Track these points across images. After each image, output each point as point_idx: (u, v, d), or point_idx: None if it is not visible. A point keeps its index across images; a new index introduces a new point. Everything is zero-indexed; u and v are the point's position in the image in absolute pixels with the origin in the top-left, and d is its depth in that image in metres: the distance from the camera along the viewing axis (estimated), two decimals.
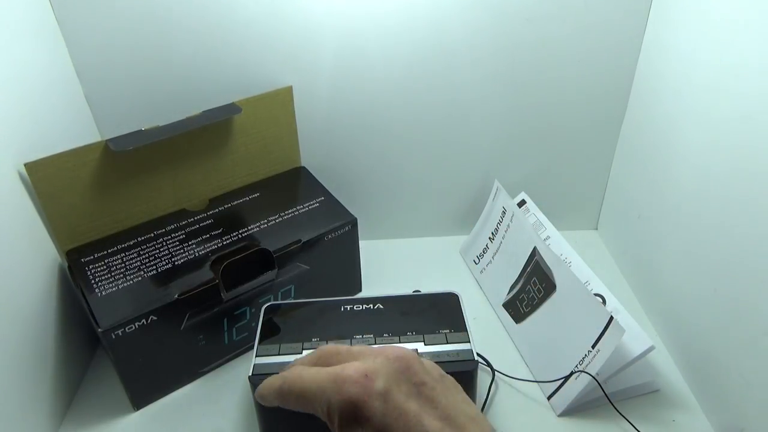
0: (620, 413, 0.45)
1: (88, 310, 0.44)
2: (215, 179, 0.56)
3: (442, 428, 0.26)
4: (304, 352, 0.42)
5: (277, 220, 0.53)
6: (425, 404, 0.27)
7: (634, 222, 0.58)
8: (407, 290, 0.49)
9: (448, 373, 0.40)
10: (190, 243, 0.50)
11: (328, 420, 0.28)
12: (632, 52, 0.55)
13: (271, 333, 0.44)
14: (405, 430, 0.25)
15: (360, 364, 0.28)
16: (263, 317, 0.45)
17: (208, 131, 0.53)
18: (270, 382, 0.34)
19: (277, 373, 0.40)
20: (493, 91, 0.57)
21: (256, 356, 0.42)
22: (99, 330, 0.42)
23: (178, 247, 0.50)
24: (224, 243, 0.50)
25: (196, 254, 0.49)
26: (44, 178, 0.46)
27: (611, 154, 0.62)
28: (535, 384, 0.49)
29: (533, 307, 0.52)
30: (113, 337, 0.43)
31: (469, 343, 0.42)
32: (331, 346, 0.33)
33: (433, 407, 0.27)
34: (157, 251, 0.49)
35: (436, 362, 0.40)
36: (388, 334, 0.43)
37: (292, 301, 0.49)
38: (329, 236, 0.52)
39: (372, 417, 0.26)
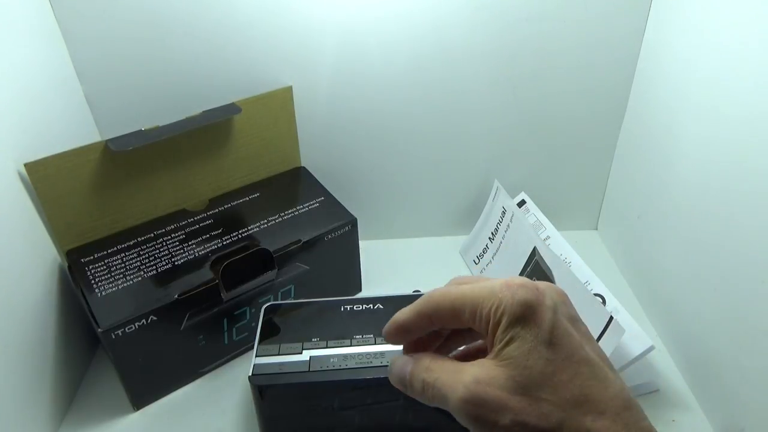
0: None
1: (88, 310, 0.44)
2: (215, 179, 0.56)
3: (600, 362, 0.26)
4: (304, 352, 0.42)
5: (277, 220, 0.53)
6: (582, 336, 0.27)
7: (634, 222, 0.58)
8: (407, 290, 0.48)
9: None
10: (190, 243, 0.50)
11: (486, 324, 0.26)
12: (632, 53, 0.55)
13: (271, 333, 0.44)
14: (569, 348, 0.25)
15: (527, 279, 0.27)
16: (263, 317, 0.45)
17: (208, 131, 0.53)
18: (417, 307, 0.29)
19: (278, 373, 0.40)
20: (493, 90, 0.57)
21: (256, 356, 0.42)
22: (99, 330, 0.42)
23: (178, 247, 0.50)
24: (224, 243, 0.50)
25: (196, 254, 0.49)
26: (44, 178, 0.46)
27: (611, 154, 0.62)
28: None
29: None
30: (113, 337, 0.43)
31: None
32: (463, 276, 0.31)
33: (589, 341, 0.27)
34: (157, 251, 0.49)
35: None
36: None
37: (292, 301, 0.49)
38: (329, 236, 0.52)
39: (542, 323, 0.25)
